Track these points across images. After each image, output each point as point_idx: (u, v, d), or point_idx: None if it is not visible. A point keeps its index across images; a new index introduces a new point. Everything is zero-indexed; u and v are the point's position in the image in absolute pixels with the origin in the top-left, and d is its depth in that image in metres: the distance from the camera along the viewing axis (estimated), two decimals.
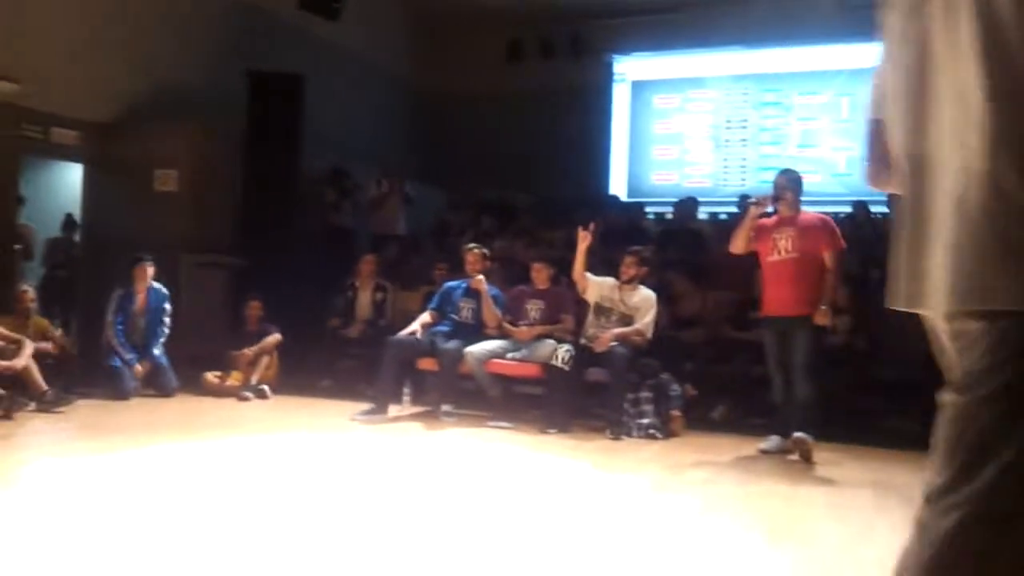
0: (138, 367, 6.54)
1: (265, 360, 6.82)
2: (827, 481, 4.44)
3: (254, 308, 7.04)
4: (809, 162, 10.62)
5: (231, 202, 8.24)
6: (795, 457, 4.95)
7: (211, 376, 6.81)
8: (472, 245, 6.57)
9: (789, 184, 5.19)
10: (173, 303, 6.92)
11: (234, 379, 6.75)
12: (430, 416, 5.97)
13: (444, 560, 2.85)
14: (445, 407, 5.88)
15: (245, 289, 7.43)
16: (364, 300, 7.50)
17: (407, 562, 2.81)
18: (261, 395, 6.63)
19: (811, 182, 10.39)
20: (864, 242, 7.93)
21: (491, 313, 6.22)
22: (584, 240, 5.80)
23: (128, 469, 4.02)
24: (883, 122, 1.33)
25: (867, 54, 10.41)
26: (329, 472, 4.24)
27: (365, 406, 5.95)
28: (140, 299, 6.76)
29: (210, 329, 7.42)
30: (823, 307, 4.92)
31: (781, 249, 5.09)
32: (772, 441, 5.14)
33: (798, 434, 4.82)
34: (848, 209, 9.14)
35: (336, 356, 7.44)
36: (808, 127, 10.72)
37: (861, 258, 7.52)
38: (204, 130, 8.10)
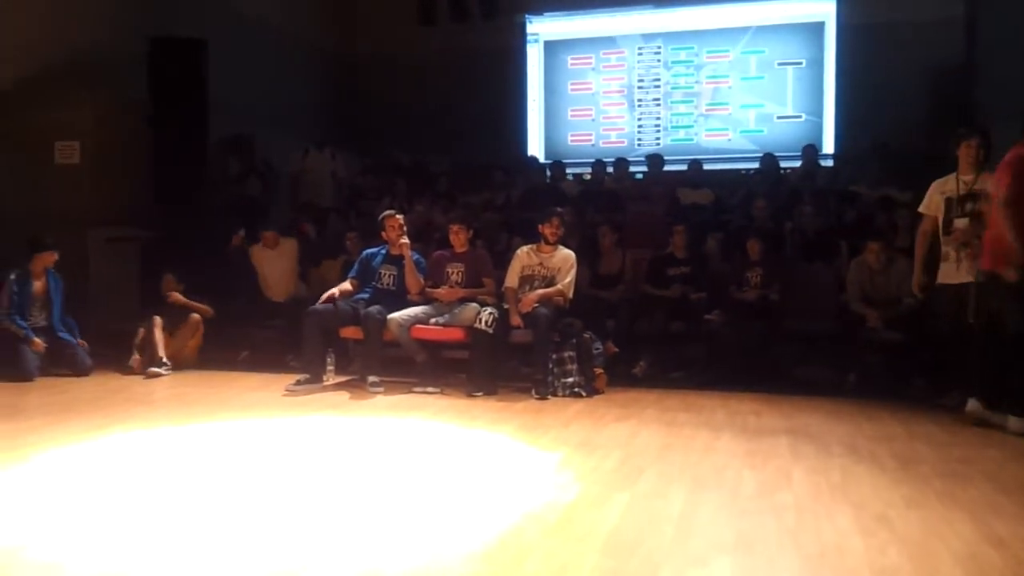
0: (36, 341, 6.25)
1: (185, 333, 6.67)
2: (745, 430, 4.60)
3: (169, 282, 6.86)
4: (719, 120, 10.86)
5: (138, 173, 7.96)
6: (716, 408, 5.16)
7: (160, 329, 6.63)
8: (389, 212, 6.48)
9: None
10: (83, 279, 6.67)
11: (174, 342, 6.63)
12: (356, 386, 5.94)
13: (377, 534, 2.87)
14: (372, 378, 5.83)
15: (157, 262, 7.22)
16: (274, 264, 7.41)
17: (333, 537, 2.82)
18: (166, 368, 6.46)
19: (721, 140, 10.73)
20: (777, 197, 8.18)
21: (414, 278, 6.20)
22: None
23: (48, 460, 3.90)
24: None
25: (772, 12, 10.66)
26: (264, 451, 4.20)
27: (288, 378, 5.89)
28: (39, 285, 6.49)
29: (123, 304, 7.20)
30: None
31: None
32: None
33: None
34: (756, 165, 9.39)
35: (255, 327, 7.31)
36: (718, 85, 10.90)
37: (773, 212, 7.76)
38: (107, 99, 7.78)
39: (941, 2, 10.00)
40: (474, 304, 5.99)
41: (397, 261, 6.27)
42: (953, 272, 5.02)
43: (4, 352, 6.22)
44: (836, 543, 2.74)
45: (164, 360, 6.45)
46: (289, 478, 3.54)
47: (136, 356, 6.55)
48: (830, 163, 9.87)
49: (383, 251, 6.37)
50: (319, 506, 3.12)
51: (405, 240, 6.22)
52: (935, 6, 9.97)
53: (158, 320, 6.59)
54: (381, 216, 6.45)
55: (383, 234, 6.35)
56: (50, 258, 6.52)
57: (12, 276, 6.39)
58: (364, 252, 6.52)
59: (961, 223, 4.99)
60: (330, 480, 3.52)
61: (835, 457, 3.97)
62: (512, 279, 6.06)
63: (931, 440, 4.36)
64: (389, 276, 6.29)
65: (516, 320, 5.80)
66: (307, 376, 5.83)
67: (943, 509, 3.12)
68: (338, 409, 5.20)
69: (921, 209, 5.27)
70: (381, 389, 5.75)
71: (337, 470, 3.70)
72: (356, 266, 6.43)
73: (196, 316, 6.75)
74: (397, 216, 6.37)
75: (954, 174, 5.11)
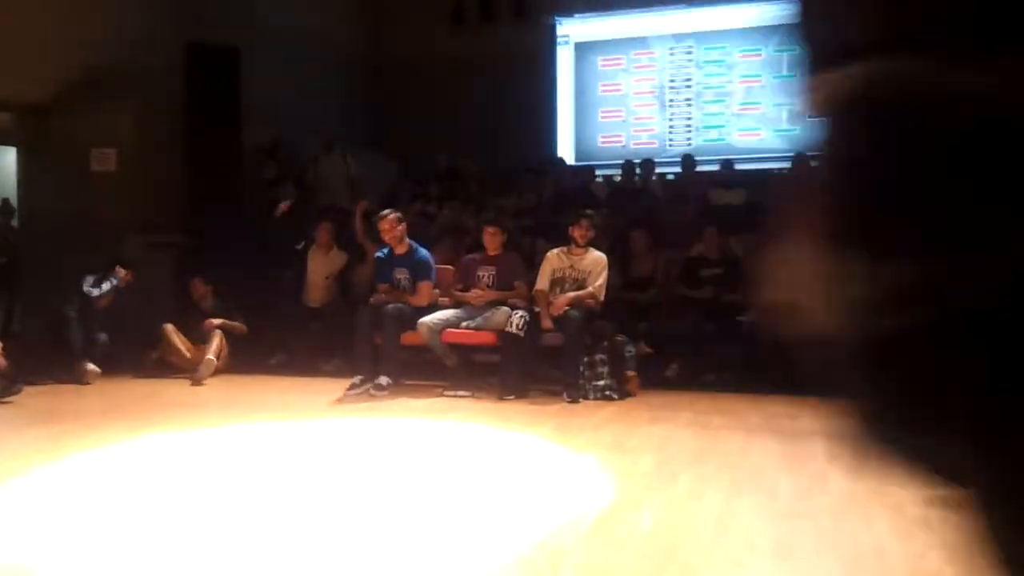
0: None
1: (218, 342, 6.70)
2: (781, 432, 4.55)
3: (197, 287, 6.95)
4: (752, 119, 10.76)
5: (173, 180, 8.07)
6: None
7: (175, 332, 6.69)
8: (386, 212, 6.32)
9: None
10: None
11: (197, 351, 6.62)
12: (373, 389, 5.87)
13: (412, 536, 2.88)
14: (383, 379, 5.71)
15: (194, 267, 7.33)
16: (324, 269, 7.43)
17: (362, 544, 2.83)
18: (210, 371, 6.50)
19: (754, 139, 10.63)
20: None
21: (420, 294, 6.13)
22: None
23: (110, 463, 3.96)
24: None
25: None
26: (298, 454, 4.23)
27: (323, 382, 5.93)
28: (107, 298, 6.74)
29: (160, 310, 7.31)
30: None
31: None
32: None
33: None
34: (790, 164, 9.27)
35: (290, 332, 7.35)
36: (750, 84, 10.81)
37: None
38: (141, 107, 7.91)
39: None
40: (505, 307, 5.99)
41: (406, 263, 6.23)
42: None
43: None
44: (875, 546, 2.70)
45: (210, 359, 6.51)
46: (323, 482, 3.56)
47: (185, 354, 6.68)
48: None
49: (389, 254, 6.29)
50: (352, 512, 3.13)
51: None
52: None
53: (169, 328, 6.68)
54: (377, 217, 6.35)
55: (383, 236, 6.26)
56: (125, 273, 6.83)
57: (92, 277, 6.67)
58: (376, 255, 6.47)
59: None
60: (362, 484, 3.53)
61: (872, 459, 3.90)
62: (543, 282, 6.05)
63: None
64: (405, 279, 6.24)
65: (547, 323, 5.78)
66: (362, 377, 5.77)
67: None
68: (371, 412, 5.23)
69: None
70: (385, 392, 5.67)
71: (369, 474, 3.72)
72: (376, 272, 6.42)
73: (219, 338, 6.67)
74: (390, 216, 6.23)
75: None
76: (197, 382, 6.30)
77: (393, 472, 3.74)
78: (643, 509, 3.11)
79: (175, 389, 6.14)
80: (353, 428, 4.75)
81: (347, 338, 6.07)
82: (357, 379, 5.78)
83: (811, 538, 2.79)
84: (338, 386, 5.85)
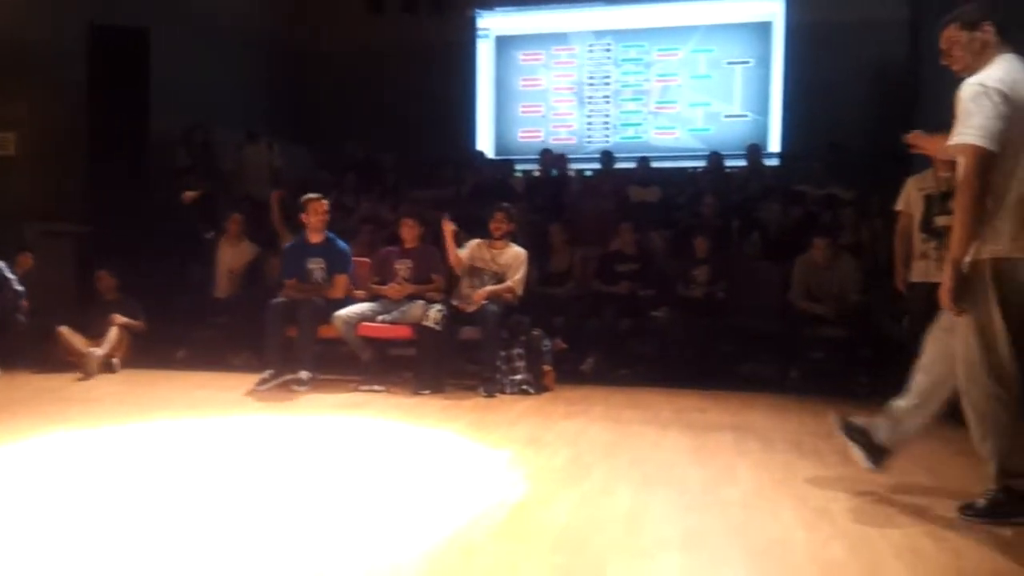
0: None
1: (115, 333, 6.44)
2: (692, 426, 4.63)
3: (104, 278, 6.67)
4: (668, 118, 10.93)
5: (75, 166, 7.73)
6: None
7: (71, 334, 6.39)
8: (313, 195, 6.17)
9: None
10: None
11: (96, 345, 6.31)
12: (294, 384, 5.78)
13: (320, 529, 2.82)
14: (303, 373, 5.63)
15: (96, 257, 7.03)
16: (232, 261, 7.21)
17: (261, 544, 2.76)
18: (109, 369, 6.26)
19: (669, 138, 10.80)
20: (724, 195, 8.26)
21: (336, 285, 6.03)
22: (449, 230, 5.81)
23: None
24: None
25: (722, 11, 10.76)
26: (206, 451, 4.10)
27: (230, 377, 5.77)
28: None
29: (60, 299, 7.00)
30: None
31: None
32: None
33: None
34: (704, 163, 9.46)
35: (195, 325, 7.11)
36: (667, 83, 10.97)
37: (721, 209, 7.83)
38: (44, 89, 7.55)
39: (887, 3, 10.19)
40: (422, 301, 5.93)
41: (322, 252, 6.10)
42: (933, 270, 4.87)
43: None
44: (781, 538, 2.76)
45: (111, 360, 6.28)
46: (230, 479, 3.46)
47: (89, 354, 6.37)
48: (775, 162, 10.01)
49: (302, 243, 6.14)
50: (260, 507, 3.05)
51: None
52: (881, 7, 10.15)
53: (62, 330, 6.38)
54: (304, 198, 6.16)
55: (303, 217, 6.09)
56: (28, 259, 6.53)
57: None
58: (286, 246, 6.31)
59: (944, 220, 4.95)
60: (272, 481, 3.44)
61: (779, 453, 4.01)
62: (463, 253, 6.00)
63: None
64: (319, 270, 6.10)
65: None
66: (272, 372, 5.66)
67: (884, 503, 3.17)
68: (283, 408, 5.11)
69: (898, 207, 5.16)
70: (306, 387, 5.59)
71: (280, 470, 3.63)
72: (284, 264, 6.24)
73: (116, 332, 6.42)
74: (324, 200, 6.13)
75: (930, 171, 5.00)
76: (88, 376, 6.04)
77: (303, 469, 3.66)
78: (557, 503, 3.12)
79: (77, 384, 5.89)
80: (263, 424, 4.63)
81: (256, 331, 5.93)
82: (267, 373, 5.65)
83: (720, 530, 2.84)
84: (248, 381, 5.71)
